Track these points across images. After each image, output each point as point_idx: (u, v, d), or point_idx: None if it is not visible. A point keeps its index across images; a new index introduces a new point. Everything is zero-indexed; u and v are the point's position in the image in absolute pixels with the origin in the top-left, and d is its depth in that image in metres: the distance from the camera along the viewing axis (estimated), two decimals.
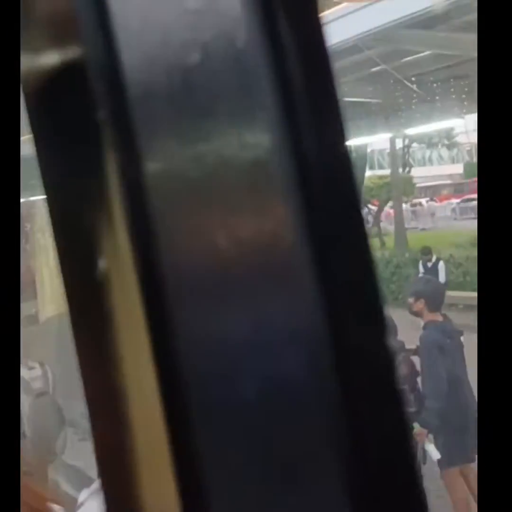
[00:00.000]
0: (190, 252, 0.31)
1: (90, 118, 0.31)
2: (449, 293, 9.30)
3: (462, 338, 5.19)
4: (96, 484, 1.77)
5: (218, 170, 0.31)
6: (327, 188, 0.32)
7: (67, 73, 0.33)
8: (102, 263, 0.33)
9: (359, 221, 0.32)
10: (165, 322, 0.30)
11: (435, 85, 11.42)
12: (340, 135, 0.32)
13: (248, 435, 0.30)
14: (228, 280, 0.31)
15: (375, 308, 0.32)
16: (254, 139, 0.31)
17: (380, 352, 0.32)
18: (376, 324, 0.32)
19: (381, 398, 0.32)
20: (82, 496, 1.79)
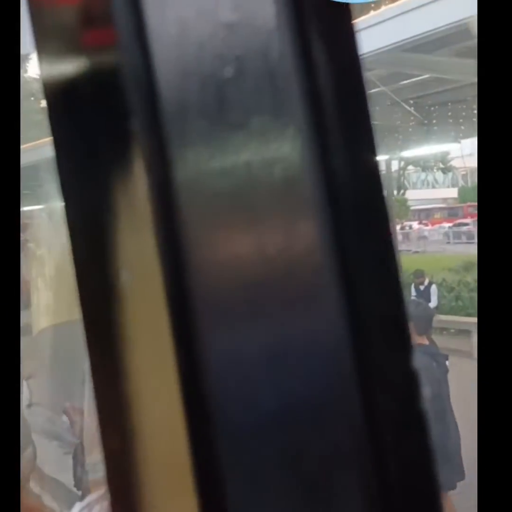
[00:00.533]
0: (217, 266, 0.30)
1: (119, 128, 0.31)
2: (441, 317, 9.29)
3: (447, 363, 5.18)
4: (89, 498, 1.75)
5: (247, 185, 0.31)
6: (357, 206, 0.32)
7: (96, 83, 0.33)
8: (126, 275, 0.33)
9: (388, 240, 0.32)
10: (191, 335, 0.30)
11: (432, 108, 11.46)
12: (370, 152, 0.32)
13: (272, 454, 0.30)
14: (254, 295, 0.31)
15: (401, 329, 0.32)
16: (284, 155, 0.31)
17: (405, 374, 0.32)
18: (401, 346, 0.32)
19: (405, 421, 0.32)
20: (74, 510, 1.78)
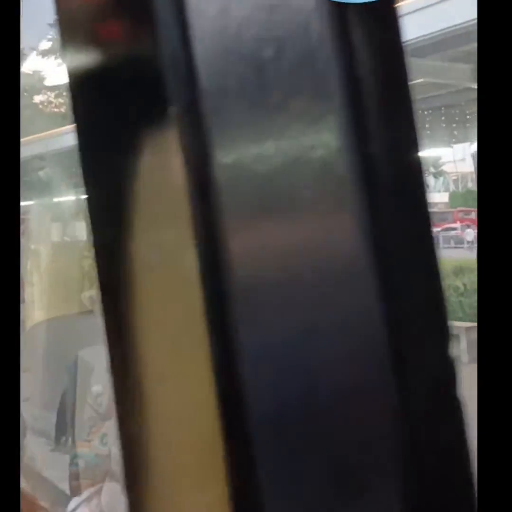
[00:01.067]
0: (254, 249, 0.30)
1: (156, 112, 0.30)
2: None
3: None
4: (87, 492, 1.75)
5: (285, 169, 0.30)
6: (395, 194, 0.31)
7: (134, 68, 0.32)
8: (157, 258, 0.32)
9: (426, 229, 0.31)
10: (225, 322, 0.29)
11: (426, 113, 11.48)
12: (411, 141, 0.31)
13: (309, 443, 0.29)
14: (289, 280, 0.30)
15: (439, 317, 0.31)
16: (323, 140, 0.31)
17: (441, 361, 0.31)
18: (438, 333, 0.31)
19: (441, 408, 0.31)
20: (72, 504, 1.77)
